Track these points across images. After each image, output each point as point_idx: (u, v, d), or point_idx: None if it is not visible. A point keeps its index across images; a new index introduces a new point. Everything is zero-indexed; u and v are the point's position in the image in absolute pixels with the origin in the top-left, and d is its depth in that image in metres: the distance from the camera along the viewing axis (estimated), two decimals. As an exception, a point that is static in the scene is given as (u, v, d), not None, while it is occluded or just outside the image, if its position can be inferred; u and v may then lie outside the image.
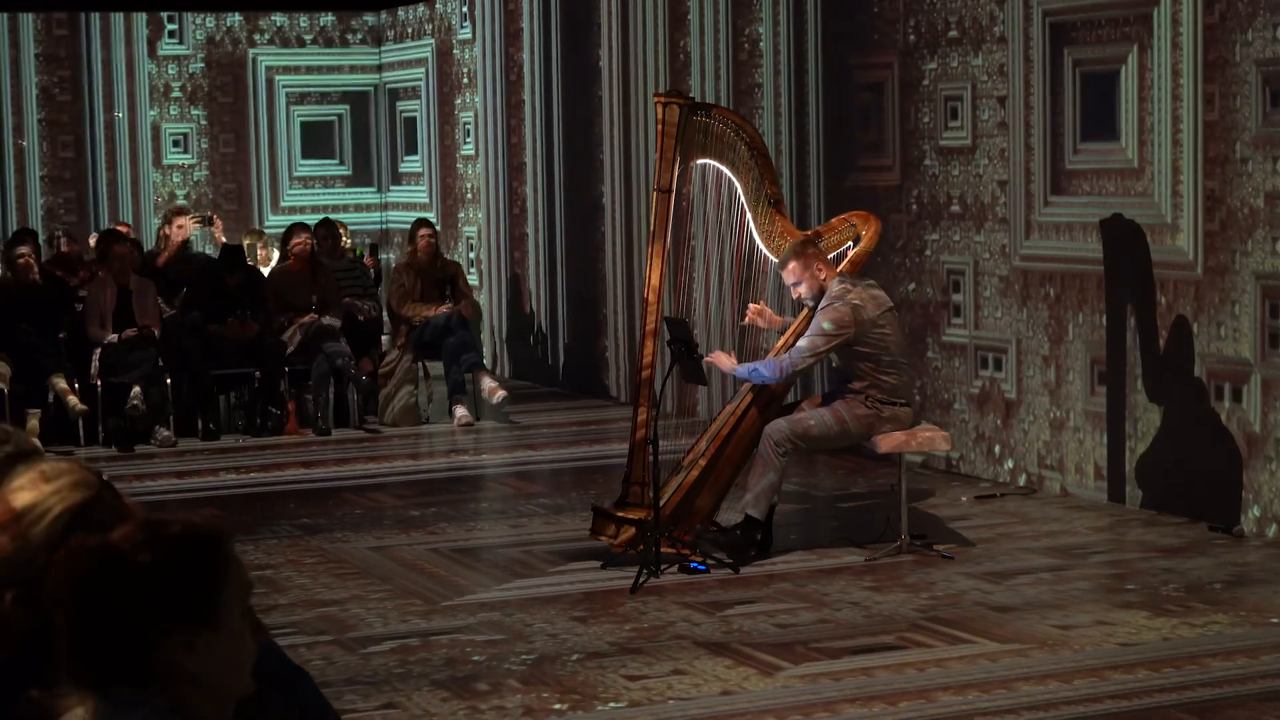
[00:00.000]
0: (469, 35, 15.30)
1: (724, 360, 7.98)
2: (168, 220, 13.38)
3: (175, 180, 16.63)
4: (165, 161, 16.62)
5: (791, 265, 7.77)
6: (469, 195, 15.43)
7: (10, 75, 16.06)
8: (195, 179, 16.69)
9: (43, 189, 16.18)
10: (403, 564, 8.07)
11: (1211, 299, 8.34)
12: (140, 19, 16.46)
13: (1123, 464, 8.91)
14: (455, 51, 15.63)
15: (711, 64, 11.82)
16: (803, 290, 7.82)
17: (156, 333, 11.37)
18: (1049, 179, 9.28)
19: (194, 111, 16.68)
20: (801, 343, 7.74)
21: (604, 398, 13.20)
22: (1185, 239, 8.46)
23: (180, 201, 15.89)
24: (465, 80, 15.42)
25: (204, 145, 16.73)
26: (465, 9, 15.38)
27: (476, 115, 15.13)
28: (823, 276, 7.77)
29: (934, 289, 10.04)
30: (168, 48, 16.65)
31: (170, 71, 16.59)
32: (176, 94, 16.62)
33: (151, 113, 16.53)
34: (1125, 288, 8.82)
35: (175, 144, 16.64)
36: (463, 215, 15.46)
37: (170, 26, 16.64)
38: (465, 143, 15.47)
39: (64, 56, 16.23)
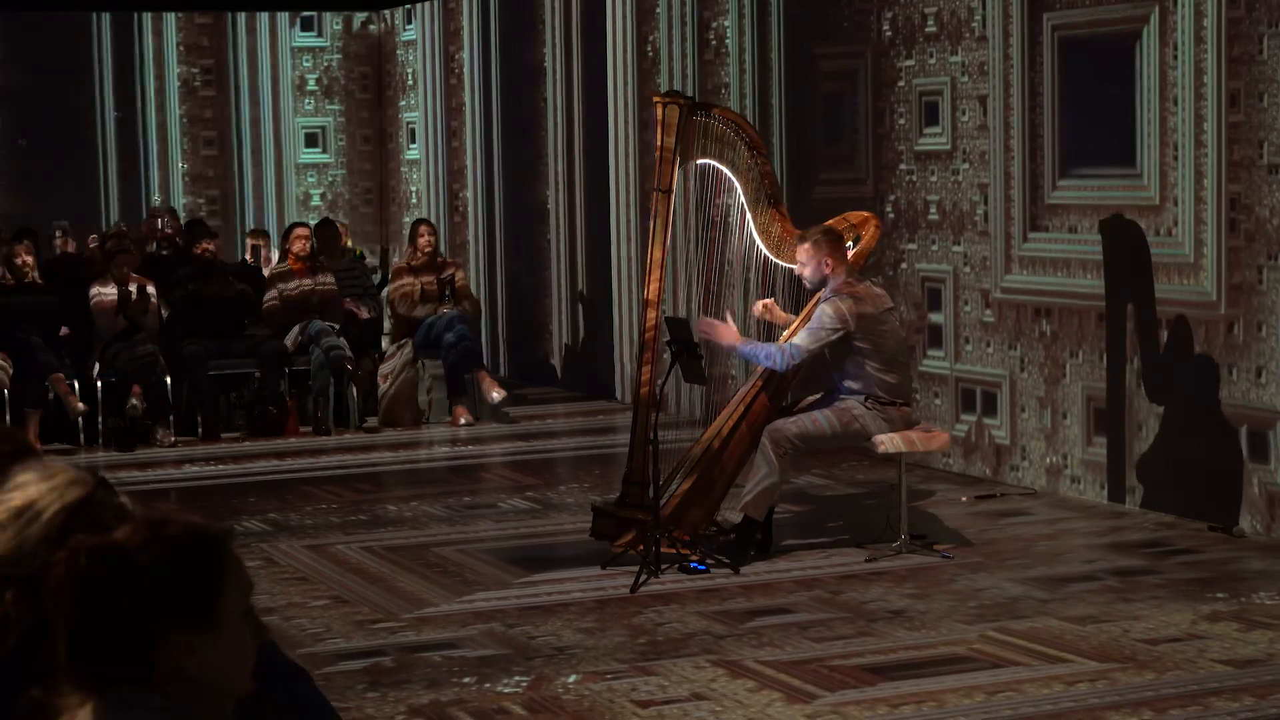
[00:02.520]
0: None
1: (725, 333, 7.68)
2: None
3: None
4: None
5: (806, 246, 7.64)
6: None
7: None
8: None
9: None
10: (388, 566, 7.54)
11: (1232, 325, 7.71)
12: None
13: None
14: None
15: (679, 62, 11.37)
16: (807, 273, 7.72)
17: (151, 289, 11.34)
18: (1029, 207, 8.78)
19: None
20: (800, 336, 7.66)
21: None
22: (1208, 255, 7.84)
23: (157, 202, 15.08)
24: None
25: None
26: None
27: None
28: (829, 268, 7.78)
29: (908, 307, 9.55)
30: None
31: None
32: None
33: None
34: (1129, 313, 8.28)
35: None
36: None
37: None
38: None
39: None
